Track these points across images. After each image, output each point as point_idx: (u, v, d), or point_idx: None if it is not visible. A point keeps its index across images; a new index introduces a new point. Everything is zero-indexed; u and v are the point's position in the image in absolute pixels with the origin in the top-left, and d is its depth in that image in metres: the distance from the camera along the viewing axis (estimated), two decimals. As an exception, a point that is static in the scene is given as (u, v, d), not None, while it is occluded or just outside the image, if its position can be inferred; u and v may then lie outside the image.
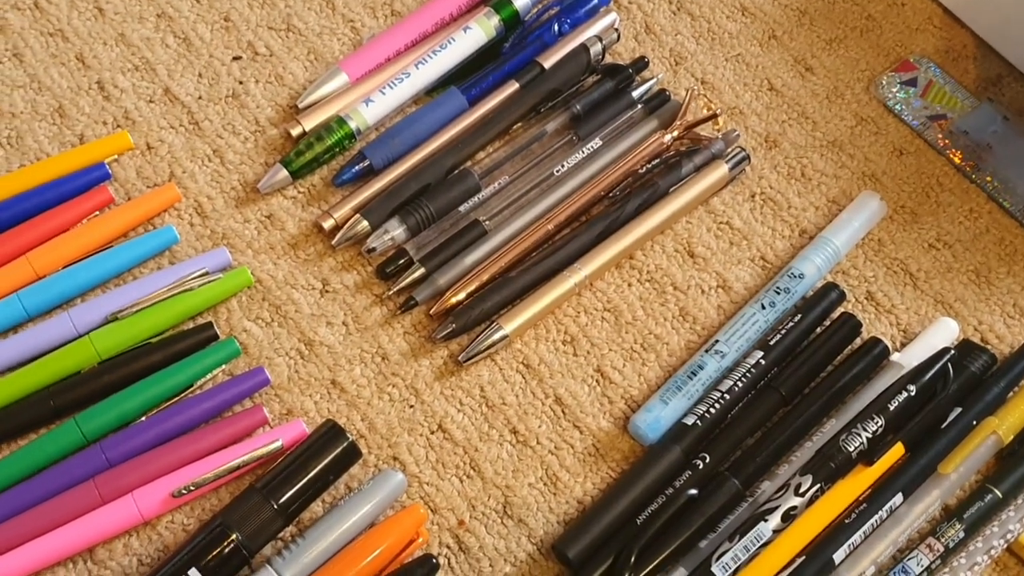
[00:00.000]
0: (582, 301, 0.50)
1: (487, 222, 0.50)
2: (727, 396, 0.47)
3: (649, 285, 0.51)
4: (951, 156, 0.54)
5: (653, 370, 0.49)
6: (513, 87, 0.54)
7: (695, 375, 0.48)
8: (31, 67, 0.55)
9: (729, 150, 0.53)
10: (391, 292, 0.49)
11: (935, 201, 0.53)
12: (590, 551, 0.44)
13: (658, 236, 0.52)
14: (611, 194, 0.52)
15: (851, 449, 0.45)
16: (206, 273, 0.49)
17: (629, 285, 0.51)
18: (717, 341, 0.48)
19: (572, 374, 0.49)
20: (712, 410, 0.47)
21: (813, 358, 0.48)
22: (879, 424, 0.45)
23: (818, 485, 0.44)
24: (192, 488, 0.44)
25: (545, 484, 0.46)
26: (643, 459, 0.46)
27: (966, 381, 0.47)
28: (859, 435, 0.45)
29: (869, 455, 0.45)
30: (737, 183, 0.53)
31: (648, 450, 0.47)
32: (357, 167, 0.52)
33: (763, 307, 0.49)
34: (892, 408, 0.46)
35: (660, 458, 0.46)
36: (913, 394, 0.46)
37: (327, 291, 0.50)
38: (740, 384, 0.47)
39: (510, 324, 0.48)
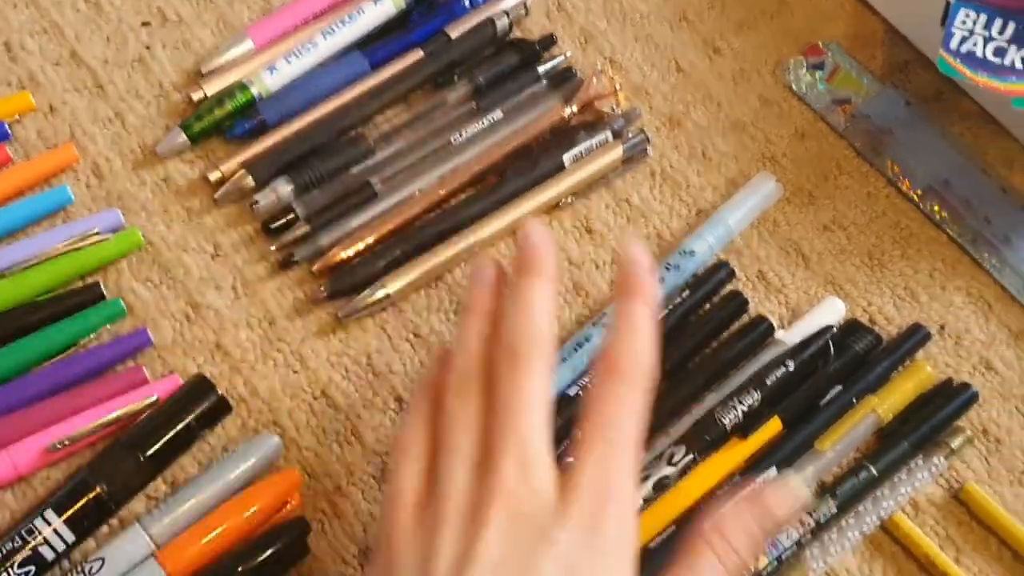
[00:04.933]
0: (475, 272, 0.50)
1: (378, 185, 0.50)
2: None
3: (544, 259, 0.51)
4: (852, 140, 0.54)
5: (542, 343, 0.49)
6: (417, 55, 0.54)
7: (580, 347, 0.48)
8: (-63, 26, 0.55)
9: (630, 134, 0.53)
10: (273, 249, 0.49)
11: (833, 184, 0.54)
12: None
13: (556, 212, 0.52)
14: (505, 165, 0.52)
15: (726, 421, 0.45)
16: (97, 233, 0.49)
17: (524, 258, 0.51)
18: (605, 314, 0.48)
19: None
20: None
21: (698, 334, 0.48)
22: (756, 398, 0.45)
23: (691, 456, 0.44)
24: (66, 443, 0.44)
25: (425, 452, 0.46)
26: None
27: (850, 360, 0.48)
28: (735, 408, 0.45)
29: (744, 429, 0.45)
30: (638, 161, 0.53)
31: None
32: (251, 122, 0.52)
33: None
34: (770, 383, 0.46)
35: None
36: (792, 370, 0.46)
37: (218, 255, 0.50)
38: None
39: (394, 284, 0.48)
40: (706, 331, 0.48)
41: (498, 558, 0.34)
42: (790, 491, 0.40)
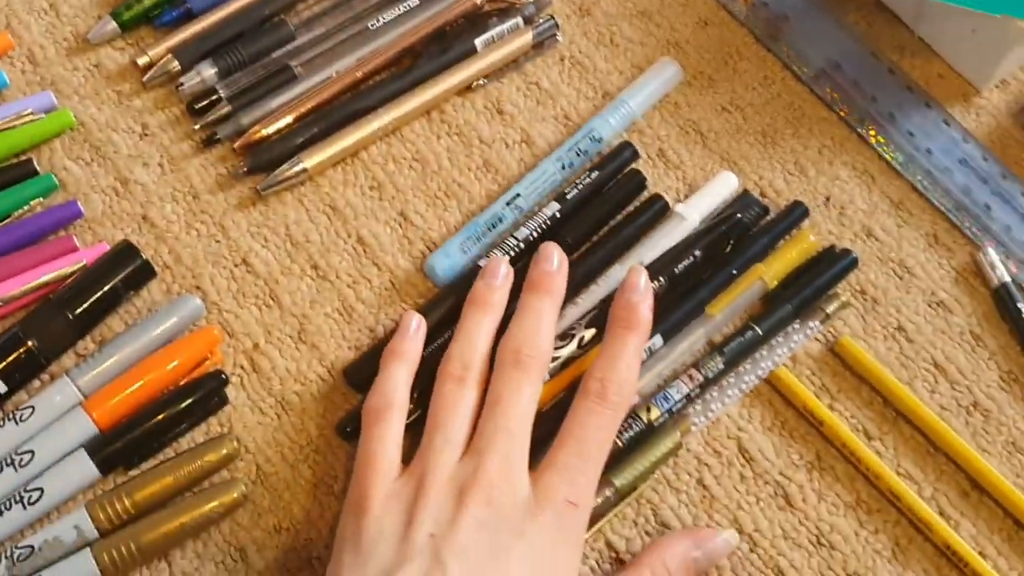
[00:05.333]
0: (391, 150, 0.53)
1: (298, 68, 0.53)
2: (522, 244, 0.50)
3: (457, 138, 0.54)
4: (752, 27, 0.57)
5: (453, 215, 0.52)
6: (338, -55, 0.56)
7: (493, 227, 0.50)
8: None
9: (540, 20, 0.56)
10: (196, 127, 0.52)
11: (732, 68, 0.56)
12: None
13: (469, 93, 0.55)
14: (420, 49, 0.54)
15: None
16: (31, 113, 0.51)
17: (438, 138, 0.54)
18: (519, 195, 0.51)
19: (376, 216, 0.51)
20: (510, 255, 0.49)
21: (599, 210, 0.51)
22: (662, 285, 0.48)
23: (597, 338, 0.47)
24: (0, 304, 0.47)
25: (340, 314, 0.49)
26: (434, 298, 0.49)
27: (741, 229, 0.50)
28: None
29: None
30: (548, 47, 0.56)
31: (441, 290, 0.50)
32: (178, 10, 0.54)
33: (563, 167, 0.52)
34: (678, 272, 0.49)
35: (450, 297, 0.49)
36: (698, 259, 0.49)
37: (146, 134, 0.53)
38: (535, 234, 0.50)
39: (311, 159, 0.51)
40: (607, 207, 0.51)
41: (472, 541, 0.38)
42: (726, 539, 0.44)
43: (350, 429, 0.46)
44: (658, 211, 0.51)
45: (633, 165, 0.53)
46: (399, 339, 0.46)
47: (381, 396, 0.44)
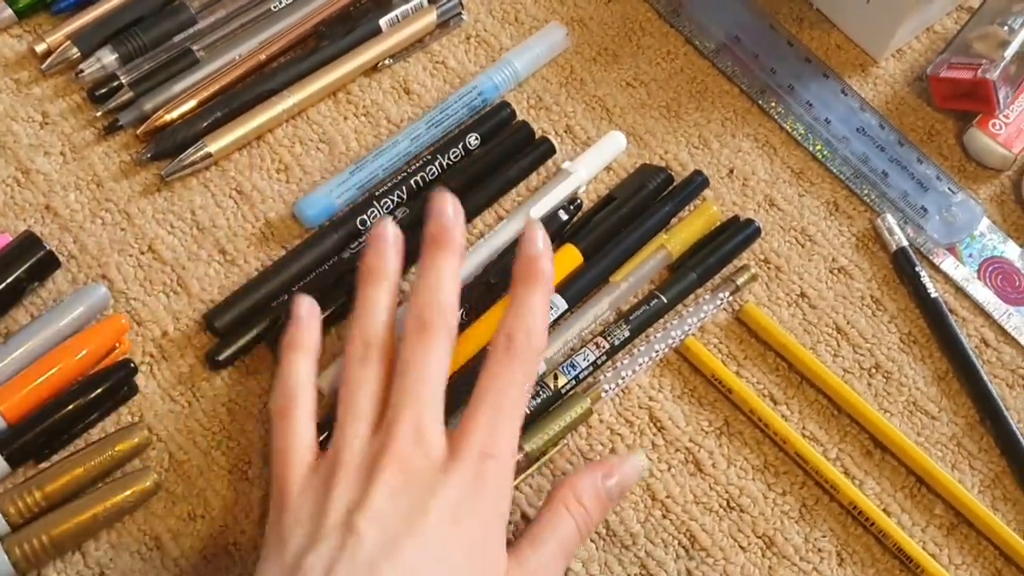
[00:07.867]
0: (298, 132, 0.53)
1: (200, 52, 0.52)
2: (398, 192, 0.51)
3: (364, 118, 0.54)
4: (654, 3, 0.58)
5: (362, 197, 0.52)
6: (237, -73, 0.56)
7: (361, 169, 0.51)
8: None
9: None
10: (98, 114, 0.51)
11: (636, 44, 0.57)
12: (238, 322, 0.47)
13: (375, 73, 0.55)
14: (323, 29, 0.54)
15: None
16: (-76, 105, 0.50)
17: (345, 118, 0.54)
18: (398, 142, 0.52)
19: (283, 199, 0.51)
20: (392, 200, 0.51)
21: (484, 159, 0.52)
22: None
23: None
24: None
25: (251, 299, 0.49)
26: (302, 242, 0.50)
27: (643, 199, 0.51)
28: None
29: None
30: (454, 26, 0.56)
31: (310, 234, 0.50)
32: (75, -6, 0.54)
33: (442, 123, 0.53)
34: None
35: (319, 240, 0.49)
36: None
37: (47, 123, 0.52)
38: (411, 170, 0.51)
39: (215, 143, 0.50)
40: (493, 156, 0.52)
41: (386, 507, 0.38)
42: (635, 463, 0.45)
43: (220, 358, 0.46)
44: (542, 153, 0.53)
45: (528, 134, 0.53)
46: (293, 329, 0.45)
47: (282, 393, 0.43)
